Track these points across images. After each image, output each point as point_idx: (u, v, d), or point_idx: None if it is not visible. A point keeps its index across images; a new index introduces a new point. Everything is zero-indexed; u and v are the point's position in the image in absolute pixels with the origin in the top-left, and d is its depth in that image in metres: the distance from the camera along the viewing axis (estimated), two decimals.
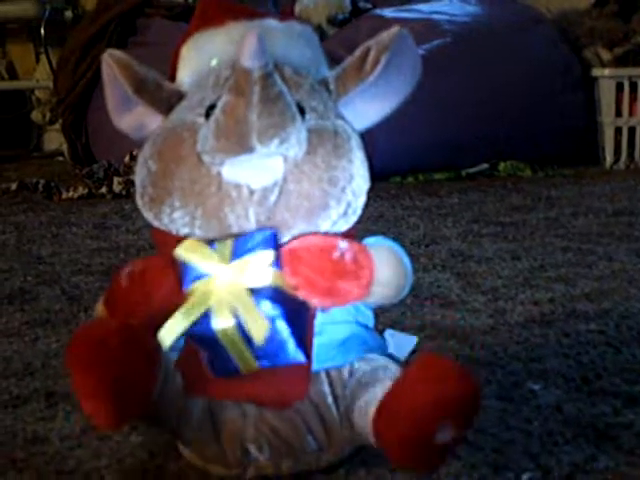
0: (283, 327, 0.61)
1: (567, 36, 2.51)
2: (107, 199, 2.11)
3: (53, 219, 1.87)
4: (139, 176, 0.63)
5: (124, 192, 2.10)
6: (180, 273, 0.62)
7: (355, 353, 0.65)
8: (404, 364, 0.65)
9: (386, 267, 0.62)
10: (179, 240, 0.63)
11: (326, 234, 0.63)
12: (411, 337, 0.73)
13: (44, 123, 3.33)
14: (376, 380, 0.63)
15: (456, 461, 0.67)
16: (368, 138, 0.66)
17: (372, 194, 0.65)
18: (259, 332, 0.60)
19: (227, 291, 0.61)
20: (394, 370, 0.64)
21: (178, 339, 0.62)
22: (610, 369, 0.86)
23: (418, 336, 0.83)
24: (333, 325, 0.64)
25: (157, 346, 0.62)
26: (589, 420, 0.74)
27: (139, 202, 0.64)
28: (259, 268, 0.61)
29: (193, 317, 0.61)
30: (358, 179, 0.63)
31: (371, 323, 0.69)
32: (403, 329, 0.90)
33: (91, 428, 0.74)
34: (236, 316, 0.60)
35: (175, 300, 0.61)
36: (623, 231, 1.55)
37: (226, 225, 0.62)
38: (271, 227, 0.62)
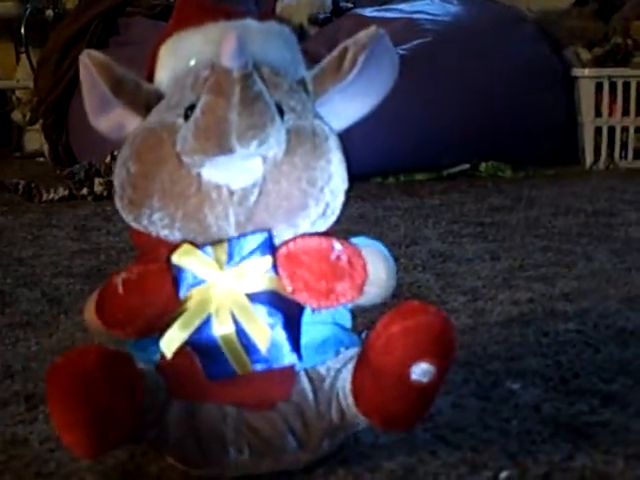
0: (280, 332, 0.61)
1: (547, 36, 2.52)
2: (88, 200, 2.11)
3: (34, 221, 1.86)
4: (118, 177, 0.63)
5: (105, 193, 2.09)
6: (174, 279, 0.62)
7: (332, 353, 0.66)
8: None
9: (377, 267, 0.63)
10: (159, 241, 0.63)
11: (320, 236, 0.63)
12: None
13: (24, 123, 3.31)
14: (350, 359, 0.64)
15: (434, 460, 0.67)
16: (347, 138, 0.66)
17: (353, 194, 0.65)
18: (262, 339, 0.61)
19: (226, 297, 0.61)
20: None
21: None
22: (588, 368, 0.87)
23: None
24: (312, 326, 0.65)
25: (140, 374, 0.62)
26: (567, 419, 0.75)
27: (118, 204, 0.64)
28: (257, 274, 0.61)
29: (194, 325, 0.61)
30: (336, 179, 0.63)
31: (349, 324, 0.69)
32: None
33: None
34: (236, 322, 0.61)
35: (172, 307, 0.62)
36: (602, 231, 1.56)
37: (206, 226, 0.62)
38: (252, 229, 0.62)
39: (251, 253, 0.61)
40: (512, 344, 0.95)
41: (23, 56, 3.30)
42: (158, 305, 0.62)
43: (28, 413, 0.80)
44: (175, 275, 0.62)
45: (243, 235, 0.62)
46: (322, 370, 0.65)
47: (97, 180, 2.14)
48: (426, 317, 0.60)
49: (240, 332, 0.61)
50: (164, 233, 0.63)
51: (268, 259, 0.61)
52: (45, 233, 1.72)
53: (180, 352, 0.62)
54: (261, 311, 0.61)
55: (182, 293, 0.62)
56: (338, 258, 0.62)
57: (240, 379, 0.63)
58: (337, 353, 0.66)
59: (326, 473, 0.66)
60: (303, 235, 0.63)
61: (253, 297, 0.61)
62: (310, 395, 0.65)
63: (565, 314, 1.05)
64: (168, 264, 0.62)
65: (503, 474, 0.65)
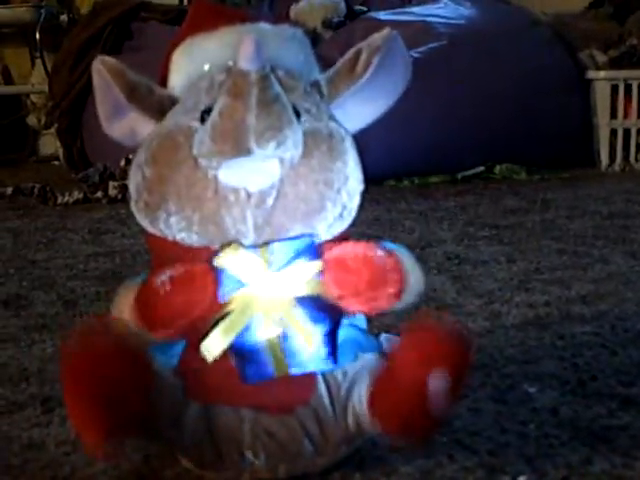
0: (320, 337, 0.62)
1: (562, 38, 2.51)
2: (103, 204, 2.11)
3: (49, 224, 1.87)
4: (133, 182, 0.63)
5: (120, 196, 2.09)
6: (217, 280, 0.62)
7: (350, 356, 0.65)
8: None
9: (412, 273, 0.63)
10: (175, 245, 0.63)
11: (363, 241, 0.63)
12: None
13: (40, 127, 3.32)
14: (367, 372, 0.64)
15: (451, 464, 0.67)
16: (362, 141, 0.66)
17: (367, 198, 0.65)
18: (309, 342, 0.61)
19: (273, 301, 0.61)
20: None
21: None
22: (606, 371, 0.86)
23: None
24: None
25: (151, 364, 0.62)
26: (585, 422, 0.74)
27: (134, 208, 0.63)
28: (302, 278, 0.61)
29: (237, 329, 0.61)
30: (352, 180, 0.63)
31: (364, 325, 0.69)
32: (398, 333, 0.90)
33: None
34: (282, 326, 0.61)
35: (216, 308, 0.61)
36: (618, 233, 1.55)
37: (223, 229, 0.61)
38: (270, 231, 0.61)
39: (295, 257, 0.61)
40: (528, 347, 0.94)
41: (38, 61, 3.31)
42: (202, 306, 0.61)
43: (44, 416, 0.80)
44: (218, 276, 0.61)
45: (286, 239, 0.62)
46: (339, 376, 0.65)
47: (112, 183, 2.14)
48: (443, 326, 0.61)
49: (283, 335, 0.61)
50: (181, 236, 0.62)
51: (316, 264, 0.62)
52: (60, 236, 1.72)
53: (197, 353, 0.62)
54: (305, 315, 0.61)
55: (224, 295, 0.61)
56: (382, 264, 0.62)
57: (262, 383, 0.63)
58: (355, 357, 0.66)
59: (343, 477, 0.65)
60: (348, 239, 0.63)
61: (297, 301, 0.61)
62: (327, 400, 0.65)
63: (582, 317, 1.05)
64: (212, 265, 0.62)
65: (521, 478, 0.65)
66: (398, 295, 0.63)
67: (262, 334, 0.61)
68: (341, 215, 0.64)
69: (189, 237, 0.62)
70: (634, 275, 1.25)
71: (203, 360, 0.62)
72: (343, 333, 0.65)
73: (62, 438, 0.75)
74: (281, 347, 0.61)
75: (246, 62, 0.58)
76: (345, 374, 0.65)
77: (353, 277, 0.62)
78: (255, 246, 0.62)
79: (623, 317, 1.04)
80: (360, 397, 0.63)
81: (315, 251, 0.62)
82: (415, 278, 0.64)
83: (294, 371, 0.62)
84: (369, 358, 0.65)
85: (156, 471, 0.68)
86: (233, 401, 0.64)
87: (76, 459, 0.71)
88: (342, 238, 0.64)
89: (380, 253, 0.63)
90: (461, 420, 0.75)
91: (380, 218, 1.77)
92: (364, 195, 0.65)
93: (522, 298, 1.14)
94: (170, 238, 0.63)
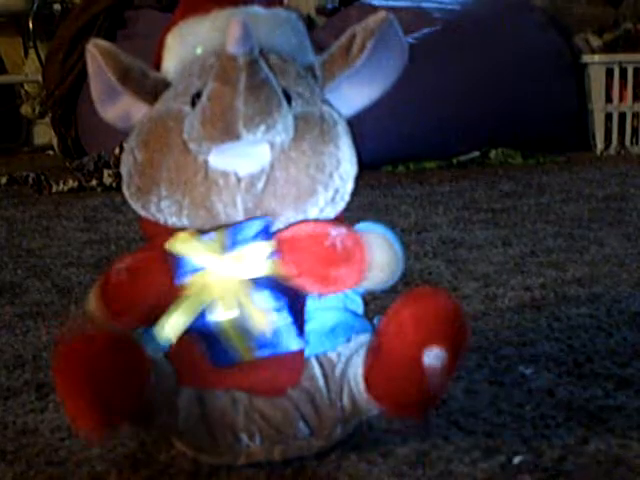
0: (280, 317, 0.61)
1: (557, 23, 2.51)
2: (97, 192, 2.11)
3: (43, 212, 1.86)
4: (125, 166, 0.63)
5: (114, 185, 2.09)
6: (174, 266, 0.61)
7: (343, 340, 0.65)
8: None
9: (378, 251, 0.62)
10: (168, 229, 0.63)
11: (317, 221, 0.62)
12: None
13: (34, 117, 3.32)
14: (361, 349, 0.64)
15: (447, 445, 0.67)
16: (357, 127, 0.66)
17: (363, 183, 0.65)
18: (258, 325, 0.60)
19: (224, 284, 0.60)
20: None
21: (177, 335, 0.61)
22: (601, 352, 0.86)
23: None
24: (323, 312, 0.64)
25: (146, 355, 0.61)
26: (581, 403, 0.74)
27: (126, 192, 0.63)
28: (255, 259, 0.61)
29: (195, 311, 0.60)
30: (345, 164, 0.63)
31: (360, 309, 0.69)
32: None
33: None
34: (234, 309, 0.60)
35: (170, 295, 0.61)
36: (614, 216, 1.56)
37: (214, 213, 0.61)
38: (261, 215, 0.61)
39: (250, 239, 0.61)
40: (524, 329, 0.94)
41: (31, 50, 3.30)
42: (157, 293, 0.61)
43: (38, 402, 0.80)
44: (174, 262, 0.61)
45: (242, 222, 0.61)
46: (333, 356, 0.65)
47: (106, 172, 2.14)
48: (437, 301, 0.60)
49: (242, 318, 0.60)
50: (172, 221, 0.62)
51: (268, 244, 0.61)
52: (55, 224, 1.72)
53: (187, 339, 0.62)
54: (264, 296, 0.60)
55: (181, 280, 0.61)
56: (334, 243, 0.61)
57: (249, 365, 0.62)
58: (348, 339, 0.65)
59: (338, 459, 0.65)
60: (302, 221, 0.62)
61: (255, 282, 0.61)
62: (321, 381, 0.64)
63: (577, 299, 1.05)
64: (164, 251, 0.61)
65: (517, 458, 0.65)
66: (359, 274, 0.61)
67: (218, 317, 0.61)
68: (333, 199, 0.63)
69: (180, 221, 0.62)
70: (629, 257, 1.25)
71: (193, 344, 0.62)
72: (335, 316, 0.65)
73: (57, 424, 0.74)
74: (242, 329, 0.61)
75: (233, 46, 0.58)
76: (339, 355, 0.65)
77: (305, 256, 0.61)
78: (210, 230, 0.61)
79: (618, 299, 1.04)
80: (356, 375, 0.63)
81: (269, 233, 0.61)
82: (385, 256, 0.62)
83: (263, 353, 0.62)
84: (363, 339, 0.65)
85: (151, 455, 0.68)
86: (223, 384, 0.64)
87: (71, 444, 0.70)
88: (336, 221, 0.64)
89: (335, 231, 0.61)
90: (457, 402, 0.75)
91: (375, 203, 1.76)
92: (359, 181, 0.64)
93: (518, 281, 1.14)
94: (162, 222, 0.62)
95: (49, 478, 0.65)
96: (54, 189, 2.13)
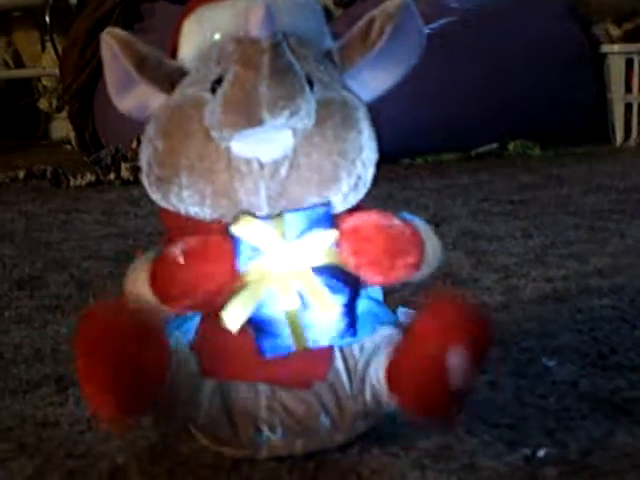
0: (338, 308, 0.60)
1: (576, 12, 2.49)
2: (115, 186, 2.11)
3: (61, 206, 1.86)
4: (144, 155, 0.62)
5: (132, 178, 2.09)
6: (233, 251, 0.60)
7: (369, 329, 0.64)
8: None
9: (430, 244, 0.62)
10: (189, 220, 0.62)
11: (379, 210, 0.62)
12: None
13: (51, 111, 3.33)
14: (385, 346, 0.63)
15: (471, 438, 0.66)
16: (375, 120, 0.65)
17: (381, 175, 0.64)
18: (329, 314, 0.60)
19: (290, 271, 0.60)
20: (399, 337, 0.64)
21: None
22: (625, 344, 0.85)
23: None
24: None
25: (166, 340, 0.61)
26: (605, 395, 0.73)
27: (145, 183, 0.62)
28: (320, 247, 0.60)
29: (258, 299, 0.60)
30: (367, 150, 0.62)
31: (380, 298, 0.68)
32: (414, 308, 0.89)
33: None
34: (302, 297, 0.60)
35: (232, 280, 0.60)
36: (634, 208, 1.54)
37: (236, 201, 0.60)
38: (284, 202, 0.60)
39: (311, 226, 0.60)
40: (547, 321, 0.93)
41: (48, 44, 3.30)
42: (218, 278, 0.60)
43: (58, 395, 0.79)
44: (235, 247, 0.60)
45: (300, 209, 0.60)
46: (356, 350, 0.64)
47: (124, 165, 2.14)
48: (461, 303, 0.59)
49: (303, 307, 0.60)
50: (194, 210, 0.61)
51: (333, 232, 0.60)
52: (73, 218, 1.72)
53: (214, 329, 0.61)
54: (324, 286, 0.60)
55: (242, 265, 0.60)
56: (400, 234, 0.61)
57: (278, 358, 0.62)
58: (373, 329, 0.64)
59: (360, 452, 0.65)
60: (363, 209, 0.62)
61: (315, 271, 0.60)
62: (344, 376, 0.64)
63: (600, 290, 1.03)
64: (227, 236, 0.61)
65: (541, 451, 0.64)
66: (417, 265, 0.61)
67: (281, 306, 0.60)
68: (356, 185, 0.62)
69: (202, 211, 0.61)
70: None
71: (218, 335, 0.61)
72: (361, 305, 0.64)
73: (76, 417, 0.74)
74: (300, 319, 0.60)
75: (256, 29, 0.57)
76: (362, 348, 0.64)
77: (370, 246, 0.60)
78: (269, 216, 0.61)
79: None
80: (378, 373, 0.62)
81: (330, 221, 0.61)
82: (433, 248, 0.63)
83: (313, 344, 0.61)
84: (387, 332, 0.64)
85: (172, 448, 0.67)
86: (248, 376, 0.63)
87: (91, 437, 0.70)
88: (357, 209, 0.63)
89: (397, 222, 0.61)
90: (480, 394, 0.74)
91: (394, 195, 1.76)
92: (377, 173, 0.63)
93: (539, 272, 1.13)
94: (183, 212, 0.61)
95: (69, 471, 0.65)
96: (72, 183, 2.13)
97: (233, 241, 0.60)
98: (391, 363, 0.62)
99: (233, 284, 0.60)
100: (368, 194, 0.64)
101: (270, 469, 0.63)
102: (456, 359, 0.57)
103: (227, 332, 0.61)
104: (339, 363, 0.64)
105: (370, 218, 0.61)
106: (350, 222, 0.61)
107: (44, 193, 2.06)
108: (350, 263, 0.61)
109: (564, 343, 0.86)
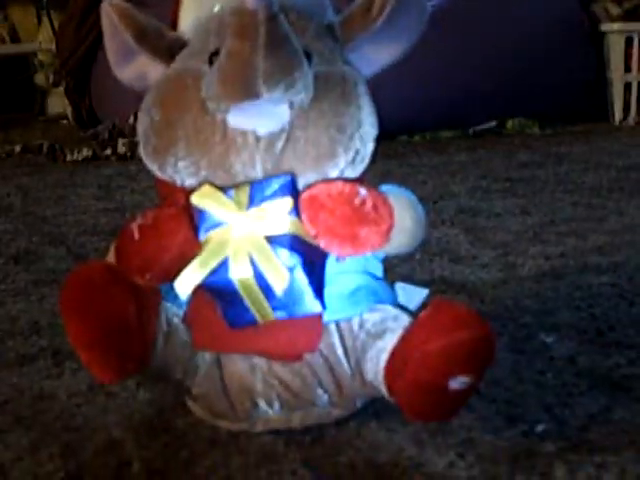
0: (301, 277, 0.59)
1: None
2: (112, 161, 2.10)
3: (58, 181, 1.86)
4: (142, 125, 0.61)
5: (129, 153, 2.08)
6: (195, 221, 0.60)
7: (365, 304, 0.63)
8: (414, 315, 0.64)
9: (404, 214, 0.61)
10: (185, 191, 0.61)
11: (344, 180, 0.61)
12: (422, 289, 0.72)
13: (47, 86, 3.31)
14: (386, 330, 0.62)
15: (469, 413, 0.66)
16: (373, 96, 0.64)
17: (379, 152, 0.63)
18: (279, 282, 0.58)
19: (245, 240, 0.59)
20: (404, 320, 0.62)
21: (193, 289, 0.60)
22: (623, 321, 0.85)
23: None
24: (343, 275, 0.63)
25: (155, 296, 0.61)
26: (603, 372, 0.73)
27: (142, 153, 0.62)
28: (277, 216, 0.59)
29: (210, 266, 0.59)
30: (366, 125, 0.61)
31: (380, 274, 0.67)
32: (413, 284, 0.89)
33: (98, 385, 0.73)
34: (254, 265, 0.59)
35: (191, 249, 0.59)
36: (633, 186, 1.54)
37: (232, 173, 0.60)
38: (285, 174, 0.60)
39: (272, 195, 0.59)
40: (545, 298, 0.93)
41: (44, 19, 3.28)
42: (175, 249, 0.60)
43: (55, 368, 0.79)
44: (195, 217, 0.60)
45: (266, 179, 0.60)
46: (354, 324, 0.63)
47: (121, 140, 2.13)
48: (467, 333, 0.57)
49: (259, 277, 0.59)
50: (190, 182, 0.61)
51: (289, 200, 0.59)
52: (69, 193, 1.71)
53: (204, 300, 0.61)
54: (282, 254, 0.59)
55: (201, 236, 0.60)
56: (363, 203, 0.59)
57: (266, 328, 0.61)
58: (371, 305, 0.64)
59: (358, 426, 0.64)
60: (327, 179, 0.61)
61: (274, 240, 0.59)
62: (340, 350, 0.63)
63: (598, 267, 1.03)
64: (185, 207, 0.60)
65: (540, 427, 0.64)
66: (382, 235, 0.60)
67: (234, 273, 0.59)
68: (353, 160, 0.61)
69: (198, 182, 0.61)
70: None
71: (208, 308, 0.61)
72: (356, 280, 0.64)
73: (74, 390, 0.74)
74: (260, 289, 0.59)
75: (253, 0, 0.56)
76: (362, 325, 0.63)
77: (327, 215, 0.59)
78: (231, 187, 0.60)
79: (639, 267, 1.03)
80: (377, 361, 0.61)
81: (293, 189, 0.59)
82: (409, 219, 0.61)
83: (279, 315, 0.60)
84: (390, 314, 0.63)
85: (169, 422, 0.67)
86: (239, 347, 0.62)
87: (88, 410, 0.70)
88: (358, 182, 0.62)
89: (361, 191, 0.60)
90: None
91: (392, 172, 1.75)
92: (375, 149, 0.63)
93: (537, 249, 1.12)
94: (179, 183, 0.61)
95: (66, 444, 0.65)
96: (68, 158, 2.12)
97: (195, 211, 0.60)
98: (390, 377, 0.60)
99: (193, 254, 0.59)
100: (366, 171, 0.63)
101: (267, 443, 0.63)
102: (458, 384, 0.56)
103: (215, 304, 0.61)
104: (335, 338, 0.63)
105: (331, 187, 0.60)
106: (309, 191, 0.60)
107: (41, 168, 2.05)
108: (309, 232, 0.60)
109: (562, 320, 0.86)
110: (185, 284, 0.59)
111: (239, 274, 0.59)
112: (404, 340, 0.60)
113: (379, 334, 0.62)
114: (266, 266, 0.58)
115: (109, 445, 0.64)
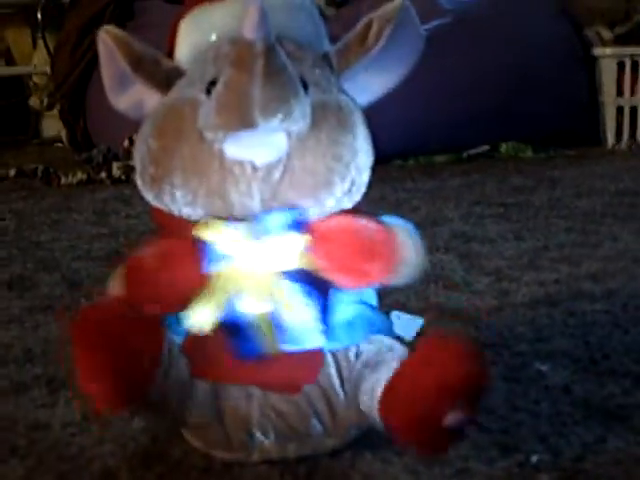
0: (311, 312, 0.60)
1: (568, 15, 2.49)
2: (106, 184, 2.10)
3: (52, 205, 1.85)
4: (139, 154, 0.62)
5: (123, 177, 2.08)
6: (202, 254, 0.60)
7: (362, 334, 0.64)
8: (410, 345, 0.64)
9: (409, 247, 0.62)
10: (181, 221, 0.62)
11: (349, 213, 0.62)
12: (417, 319, 0.72)
13: (42, 109, 3.31)
14: (382, 362, 0.62)
15: (464, 443, 0.66)
16: (368, 121, 0.64)
17: (373, 177, 0.64)
18: (289, 318, 0.60)
19: (255, 275, 0.60)
20: (400, 351, 0.63)
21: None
22: (618, 349, 0.85)
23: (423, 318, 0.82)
24: (339, 305, 0.63)
25: (161, 328, 0.61)
26: (598, 401, 0.73)
27: (139, 182, 0.62)
28: (286, 250, 0.60)
29: (222, 303, 0.59)
30: (362, 155, 0.62)
31: (374, 302, 0.68)
32: (408, 311, 0.89)
33: (93, 415, 0.73)
34: (265, 300, 0.60)
35: (200, 282, 0.60)
36: (627, 211, 1.54)
37: (229, 203, 0.60)
38: (277, 205, 0.60)
39: (279, 229, 0.60)
40: (539, 325, 0.93)
41: (40, 42, 3.28)
42: (185, 281, 0.60)
43: (49, 397, 0.79)
44: (203, 250, 0.60)
45: (270, 211, 0.60)
46: (351, 356, 0.64)
47: (115, 164, 2.13)
48: (461, 368, 0.57)
49: (274, 310, 0.60)
50: (186, 211, 0.61)
51: (302, 236, 0.60)
52: (64, 217, 1.71)
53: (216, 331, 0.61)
54: (292, 289, 0.59)
55: (209, 269, 0.60)
56: (371, 237, 0.60)
57: (266, 361, 0.61)
58: (367, 336, 0.64)
59: (353, 457, 0.64)
60: (334, 213, 0.61)
61: (287, 275, 0.60)
62: (336, 381, 0.63)
63: (592, 295, 1.03)
64: (194, 239, 0.61)
65: (535, 457, 0.64)
66: (390, 268, 0.61)
67: (250, 309, 0.60)
68: (350, 190, 0.62)
69: (194, 211, 0.61)
70: None
71: (207, 338, 0.61)
72: (353, 310, 0.64)
73: (68, 419, 0.74)
74: (271, 323, 0.60)
75: (250, 32, 0.57)
76: (358, 355, 0.63)
77: (338, 249, 0.60)
78: (241, 219, 0.60)
79: (634, 295, 1.03)
80: (372, 393, 0.61)
81: (302, 224, 0.60)
82: (412, 251, 0.62)
83: (286, 348, 0.61)
84: (385, 344, 0.63)
85: (164, 451, 0.67)
86: (239, 379, 0.63)
87: (83, 439, 0.70)
88: (356, 213, 0.63)
89: (369, 225, 0.61)
90: None
91: (386, 197, 1.75)
92: (370, 174, 0.63)
93: (531, 276, 1.13)
94: (176, 213, 0.61)
95: (60, 474, 0.65)
96: (63, 182, 2.12)
97: (202, 244, 0.60)
98: (385, 406, 0.60)
99: (202, 287, 0.60)
100: (361, 196, 0.63)
101: (261, 473, 0.63)
102: (454, 420, 0.57)
103: (216, 335, 0.61)
104: (331, 368, 0.63)
105: (340, 222, 0.61)
106: (320, 226, 0.61)
107: (35, 192, 2.05)
108: (319, 267, 0.60)
109: (557, 347, 0.86)
110: (199, 321, 0.60)
111: (248, 309, 0.59)
112: (398, 374, 0.60)
113: (375, 366, 0.62)
114: (284, 302, 0.59)
115: (104, 475, 0.64)
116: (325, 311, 0.61)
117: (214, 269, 0.60)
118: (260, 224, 0.60)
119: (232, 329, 0.61)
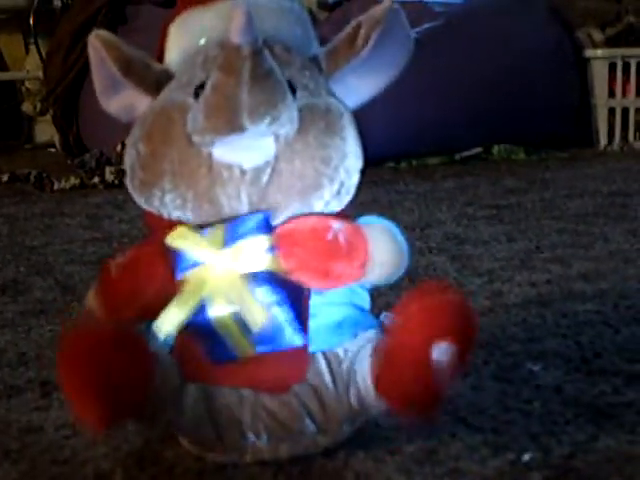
0: (281, 312, 0.60)
1: (559, 17, 2.50)
2: (99, 189, 2.10)
3: (45, 210, 1.85)
4: (129, 159, 0.62)
5: (116, 182, 2.08)
6: (172, 261, 0.61)
7: (349, 335, 0.64)
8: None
9: (381, 246, 0.61)
10: (172, 224, 0.62)
11: (319, 215, 0.62)
12: None
13: (35, 114, 3.30)
14: (369, 346, 0.63)
15: (456, 442, 0.66)
16: (359, 123, 0.65)
17: (365, 180, 0.64)
18: (256, 320, 0.60)
19: (222, 279, 0.60)
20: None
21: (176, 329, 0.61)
22: (609, 348, 0.85)
23: None
24: (328, 307, 0.63)
25: (149, 348, 0.61)
26: (589, 400, 0.73)
27: (129, 186, 0.63)
28: (254, 253, 0.60)
29: (190, 307, 0.60)
30: (351, 157, 0.62)
31: (367, 305, 0.68)
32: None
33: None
34: (232, 304, 0.60)
35: (168, 290, 0.60)
36: (618, 212, 1.55)
37: (218, 207, 0.61)
38: (265, 209, 0.61)
39: (247, 233, 0.60)
40: (531, 325, 0.93)
41: (32, 47, 3.28)
42: (156, 288, 0.61)
43: (43, 400, 0.79)
44: (172, 257, 0.61)
45: (242, 216, 0.60)
46: (340, 352, 0.64)
47: (108, 169, 2.13)
48: (444, 296, 0.59)
49: (237, 314, 0.60)
50: (176, 214, 0.62)
51: (265, 238, 0.60)
52: (57, 222, 1.71)
53: (191, 335, 0.61)
54: (261, 291, 0.60)
55: (179, 275, 0.60)
56: (336, 237, 0.60)
57: (252, 362, 0.62)
58: (355, 335, 0.65)
59: (346, 456, 0.65)
60: (302, 215, 0.61)
61: (253, 277, 0.60)
62: (327, 377, 0.63)
63: (584, 295, 1.04)
64: (163, 246, 0.61)
65: (526, 456, 0.64)
66: (356, 269, 0.61)
67: (217, 312, 0.60)
68: (338, 193, 0.62)
69: (184, 215, 0.61)
70: (635, 253, 1.24)
71: (194, 342, 0.62)
72: (340, 312, 0.64)
73: (61, 422, 0.74)
74: (240, 325, 0.60)
75: (237, 36, 0.57)
76: (346, 351, 0.64)
77: (299, 250, 0.60)
78: (210, 225, 0.61)
79: (625, 295, 1.03)
80: (363, 373, 0.62)
81: (268, 226, 0.60)
82: (384, 251, 0.62)
83: (260, 349, 0.61)
84: (370, 335, 0.64)
85: (157, 453, 0.67)
86: (228, 381, 0.63)
87: (76, 442, 0.70)
88: (341, 216, 0.63)
89: (338, 225, 0.61)
90: (464, 399, 0.74)
91: (379, 200, 1.76)
92: (362, 177, 0.63)
93: (523, 277, 1.13)
94: (166, 216, 0.62)
95: (54, 477, 0.65)
96: (56, 186, 2.12)
97: (173, 251, 0.61)
98: (375, 360, 0.61)
99: (173, 293, 0.60)
100: (352, 198, 0.64)
101: (255, 474, 0.63)
102: (441, 353, 0.57)
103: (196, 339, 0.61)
104: (322, 366, 0.64)
105: (305, 223, 0.61)
106: (286, 227, 0.61)
107: (28, 197, 2.05)
108: (286, 267, 0.60)
109: (548, 348, 0.86)
110: (166, 325, 0.60)
111: (217, 313, 0.59)
112: (385, 334, 0.62)
113: (363, 348, 0.63)
114: (243, 304, 0.59)
115: (98, 477, 0.64)
116: (298, 311, 0.61)
117: (184, 275, 0.60)
118: (230, 228, 0.60)
119: (204, 334, 0.61)
